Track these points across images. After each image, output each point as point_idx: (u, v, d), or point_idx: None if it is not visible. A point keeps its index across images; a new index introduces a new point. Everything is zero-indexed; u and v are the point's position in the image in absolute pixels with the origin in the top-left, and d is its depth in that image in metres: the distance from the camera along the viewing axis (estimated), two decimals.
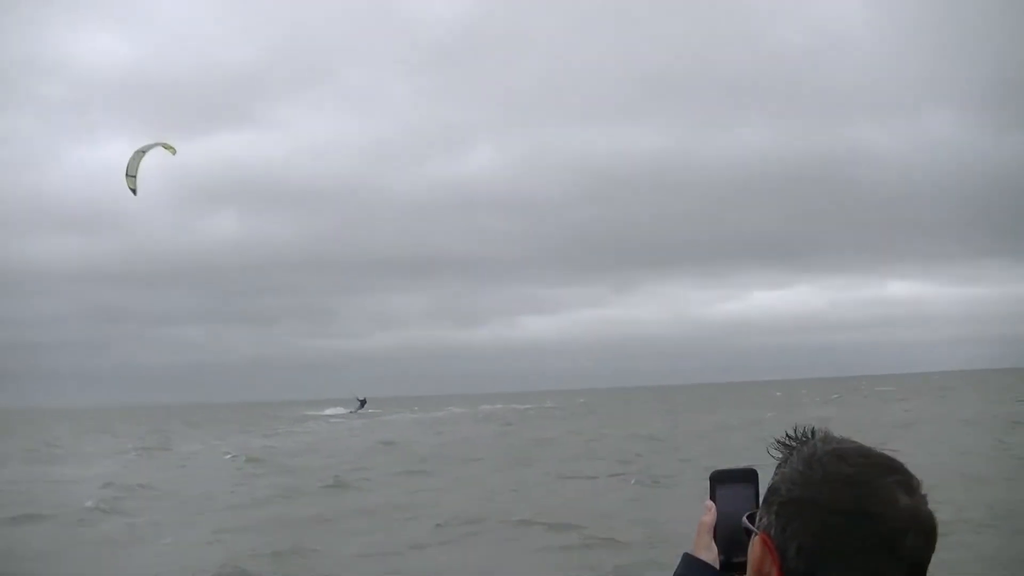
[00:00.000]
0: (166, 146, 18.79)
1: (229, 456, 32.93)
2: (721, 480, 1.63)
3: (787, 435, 1.40)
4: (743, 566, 1.47)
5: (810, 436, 1.38)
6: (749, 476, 1.64)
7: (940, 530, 1.29)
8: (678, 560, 1.60)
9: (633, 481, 21.54)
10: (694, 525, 1.61)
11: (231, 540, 15.36)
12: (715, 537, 1.60)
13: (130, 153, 17.82)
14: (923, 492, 1.30)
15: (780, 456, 1.39)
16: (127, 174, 17.76)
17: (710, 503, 1.61)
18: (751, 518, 1.42)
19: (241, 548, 14.52)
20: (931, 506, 1.30)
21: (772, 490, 1.36)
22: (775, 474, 1.38)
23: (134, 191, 17.92)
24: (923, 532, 1.27)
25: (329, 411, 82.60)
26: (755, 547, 1.37)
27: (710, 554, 1.58)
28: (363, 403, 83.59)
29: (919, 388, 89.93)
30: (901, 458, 1.33)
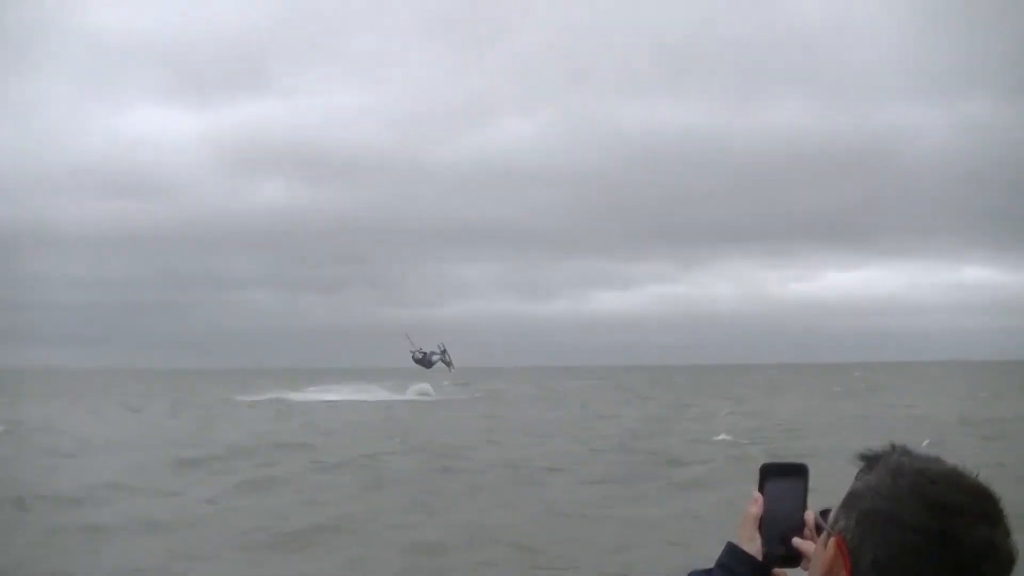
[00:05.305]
0: None
1: None
2: (771, 473, 1.61)
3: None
4: (786, 560, 1.57)
5: (893, 448, 1.37)
6: (800, 471, 1.61)
7: None
8: (722, 549, 1.62)
9: None
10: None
11: None
12: (760, 529, 1.59)
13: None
14: (1007, 524, 1.29)
15: (863, 463, 1.38)
16: None
17: (758, 495, 1.61)
18: (823, 515, 1.42)
19: None
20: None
21: (855, 495, 1.35)
22: (857, 479, 1.37)
23: None
24: (999, 564, 1.27)
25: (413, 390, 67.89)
26: (829, 548, 1.36)
27: (753, 545, 1.60)
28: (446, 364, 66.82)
29: None
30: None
